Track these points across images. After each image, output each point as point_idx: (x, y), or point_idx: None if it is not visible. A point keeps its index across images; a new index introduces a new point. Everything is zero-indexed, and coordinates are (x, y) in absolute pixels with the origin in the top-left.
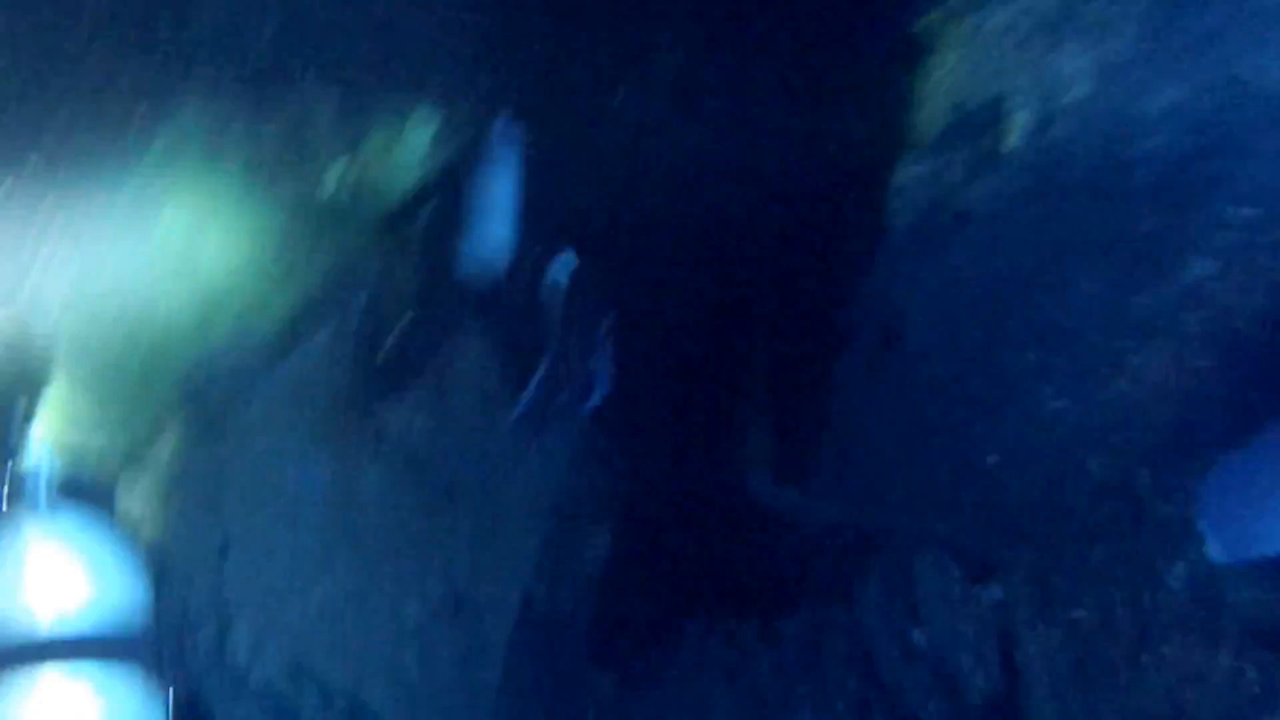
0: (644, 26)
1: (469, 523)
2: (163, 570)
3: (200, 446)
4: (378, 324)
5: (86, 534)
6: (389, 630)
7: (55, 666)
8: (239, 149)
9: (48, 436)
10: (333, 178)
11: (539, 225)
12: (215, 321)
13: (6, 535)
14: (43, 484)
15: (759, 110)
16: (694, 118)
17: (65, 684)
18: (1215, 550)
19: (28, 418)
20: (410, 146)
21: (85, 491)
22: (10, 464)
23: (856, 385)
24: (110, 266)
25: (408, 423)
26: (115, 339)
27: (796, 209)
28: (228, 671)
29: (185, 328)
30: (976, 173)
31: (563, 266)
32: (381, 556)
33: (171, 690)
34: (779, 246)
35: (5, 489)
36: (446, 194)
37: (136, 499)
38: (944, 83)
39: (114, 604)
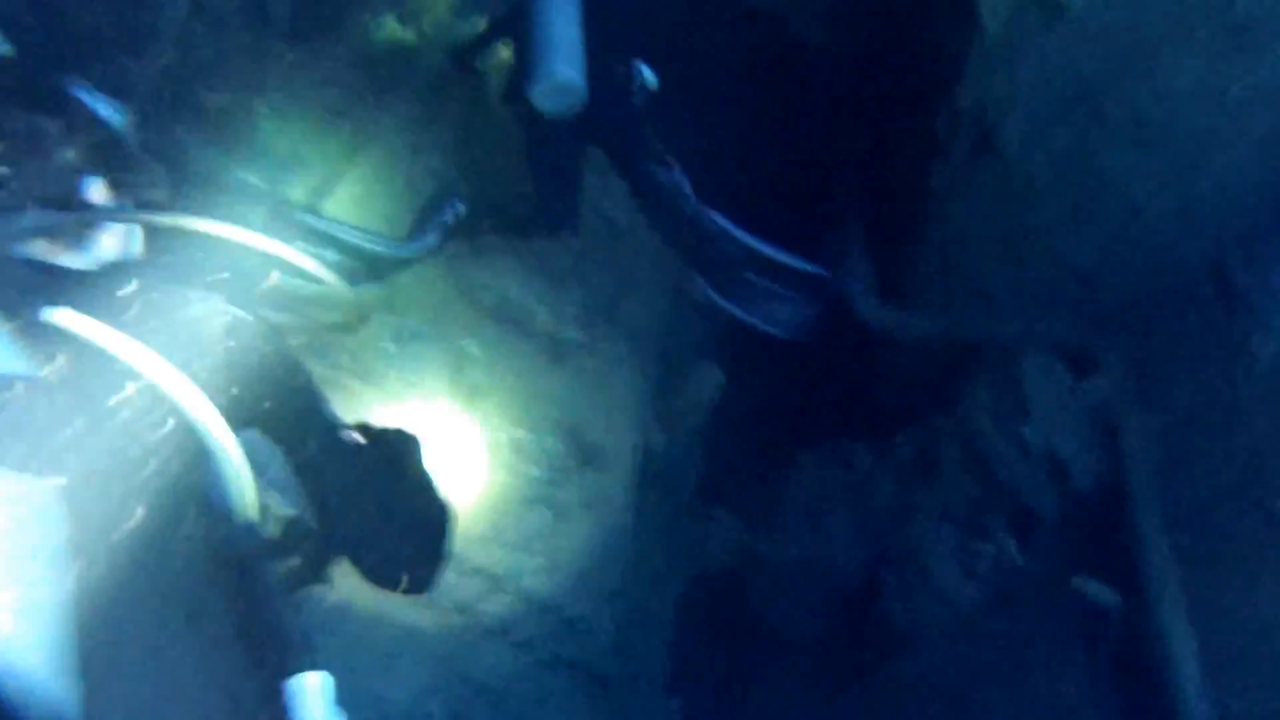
0: None
1: (579, 378)
2: None
3: None
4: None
5: None
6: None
7: None
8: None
9: None
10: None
11: (614, 44)
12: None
13: None
14: None
15: None
16: None
17: None
18: None
19: None
20: None
21: None
22: None
23: (953, 193)
24: None
25: (505, 288)
26: None
27: (885, 10)
28: None
29: None
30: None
31: (643, 85)
32: (497, 414)
33: None
34: (869, 53)
35: None
36: (514, 24)
37: None
38: None
39: None
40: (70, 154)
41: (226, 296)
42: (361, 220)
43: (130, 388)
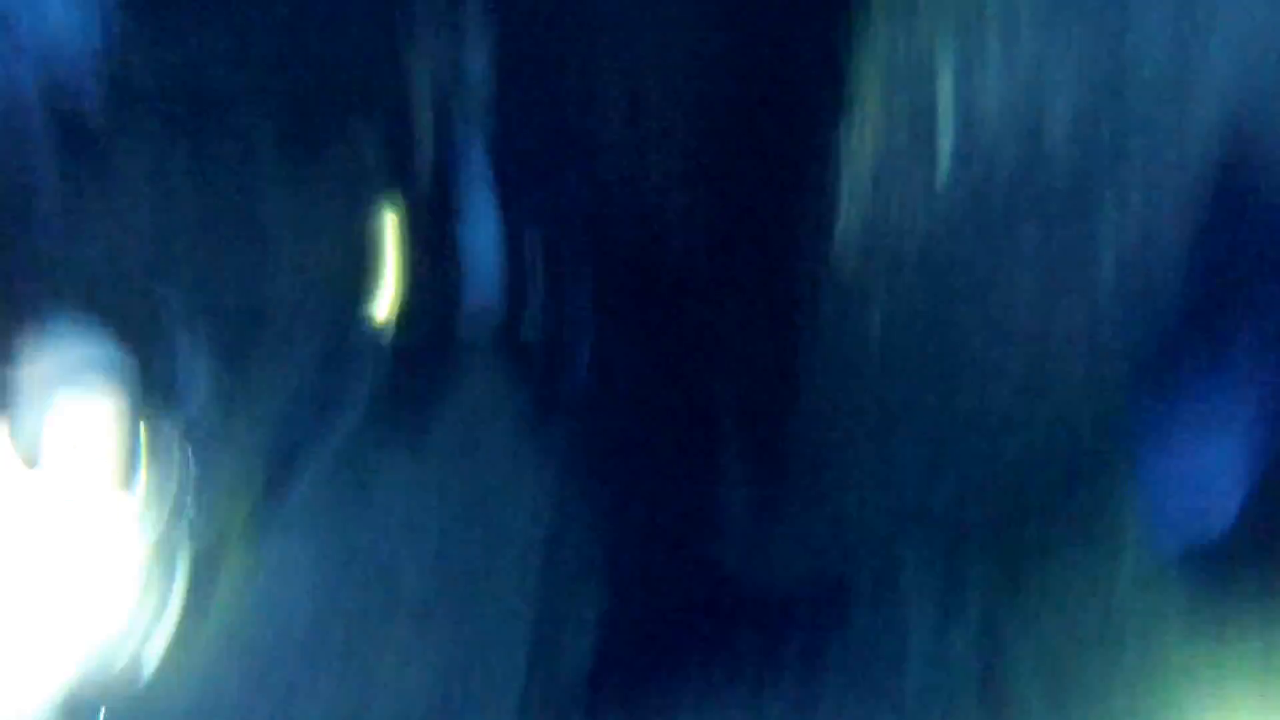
0: (596, 50)
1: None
2: None
3: None
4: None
5: None
6: None
7: None
8: None
9: None
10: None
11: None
12: None
13: None
14: None
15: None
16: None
17: None
18: (1158, 529)
19: None
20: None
21: None
22: None
23: (822, 427)
24: None
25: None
26: None
27: (743, 259)
28: None
29: None
30: (911, 209)
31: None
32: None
33: None
34: (732, 291)
35: None
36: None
37: None
38: (869, 125)
39: None
40: None
41: None
42: None
43: None
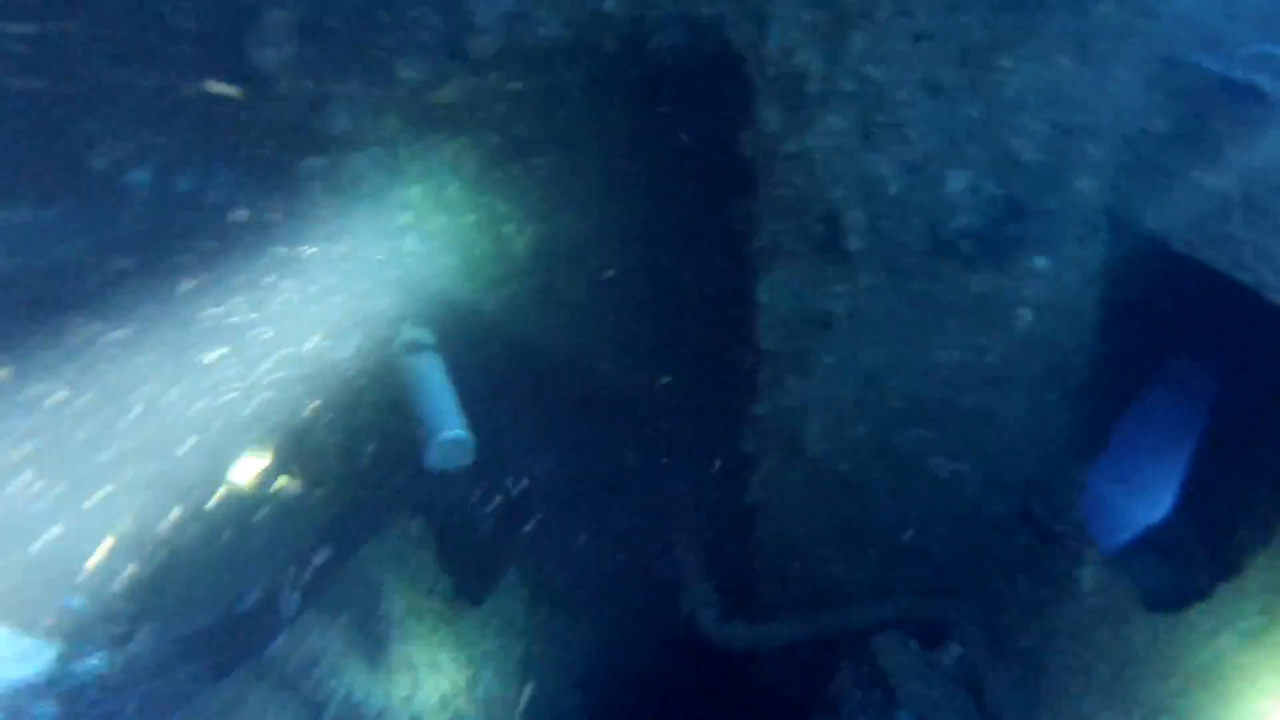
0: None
1: None
2: None
3: None
4: None
5: None
6: None
7: None
8: None
9: None
10: None
11: None
12: None
13: None
14: None
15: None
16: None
17: None
18: (1105, 545)
19: None
20: None
21: None
22: None
23: (771, 501)
24: None
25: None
26: None
27: (673, 349)
28: None
29: None
30: (828, 275)
31: None
32: None
33: None
34: (671, 392)
35: None
36: None
37: None
38: (780, 202)
39: None
40: None
41: None
42: None
43: None
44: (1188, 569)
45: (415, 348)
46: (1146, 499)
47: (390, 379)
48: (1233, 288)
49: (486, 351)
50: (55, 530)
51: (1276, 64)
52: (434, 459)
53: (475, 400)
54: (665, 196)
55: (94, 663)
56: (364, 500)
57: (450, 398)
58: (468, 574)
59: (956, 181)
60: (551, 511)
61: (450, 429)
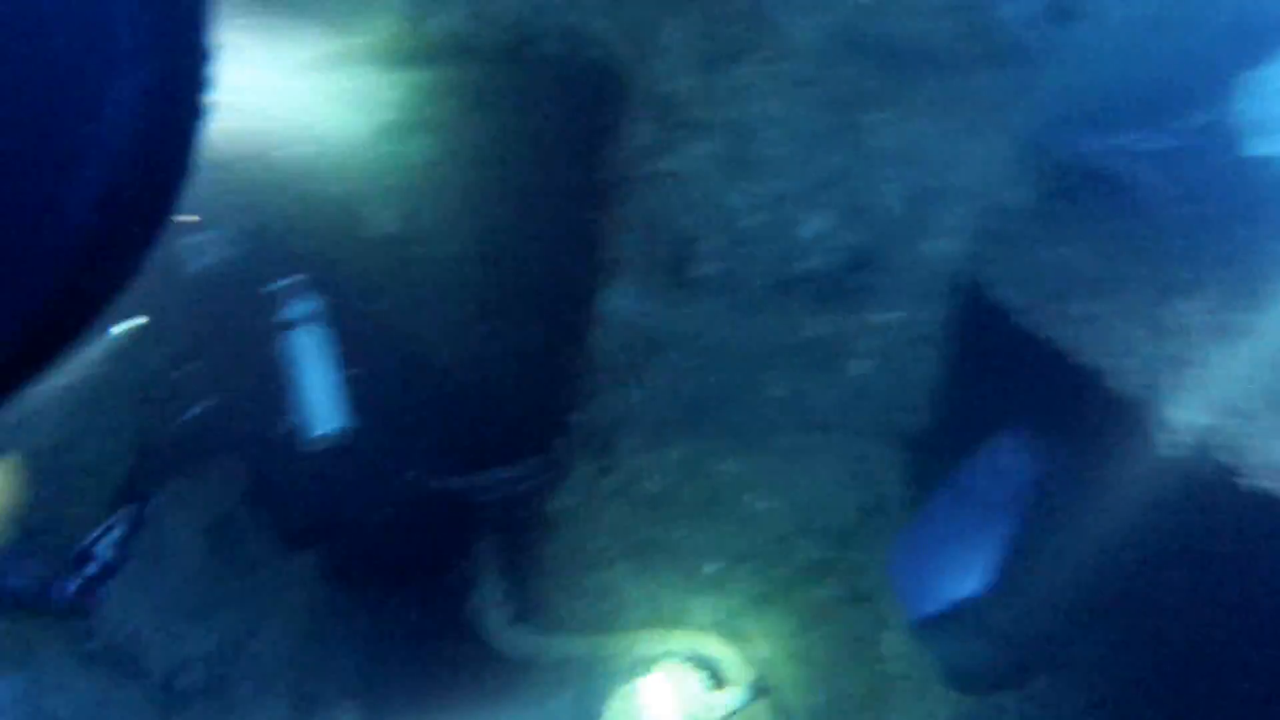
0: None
1: None
2: None
3: None
4: None
5: None
6: None
7: None
8: None
9: None
10: None
11: None
12: None
13: None
14: None
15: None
16: None
17: None
18: (910, 611)
19: None
20: None
21: None
22: None
23: (579, 514)
24: None
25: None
26: None
27: (507, 344)
28: None
29: None
30: (673, 296)
31: None
32: None
33: None
34: (495, 387)
35: None
36: None
37: None
38: (639, 218)
39: None
40: None
41: None
42: None
43: None
44: (996, 652)
45: (296, 321)
46: (956, 571)
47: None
48: (1070, 369)
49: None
50: None
51: (1138, 155)
52: (308, 443)
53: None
54: (527, 194)
55: None
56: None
57: (332, 381)
58: (265, 535)
59: (810, 225)
60: (356, 481)
61: (330, 423)
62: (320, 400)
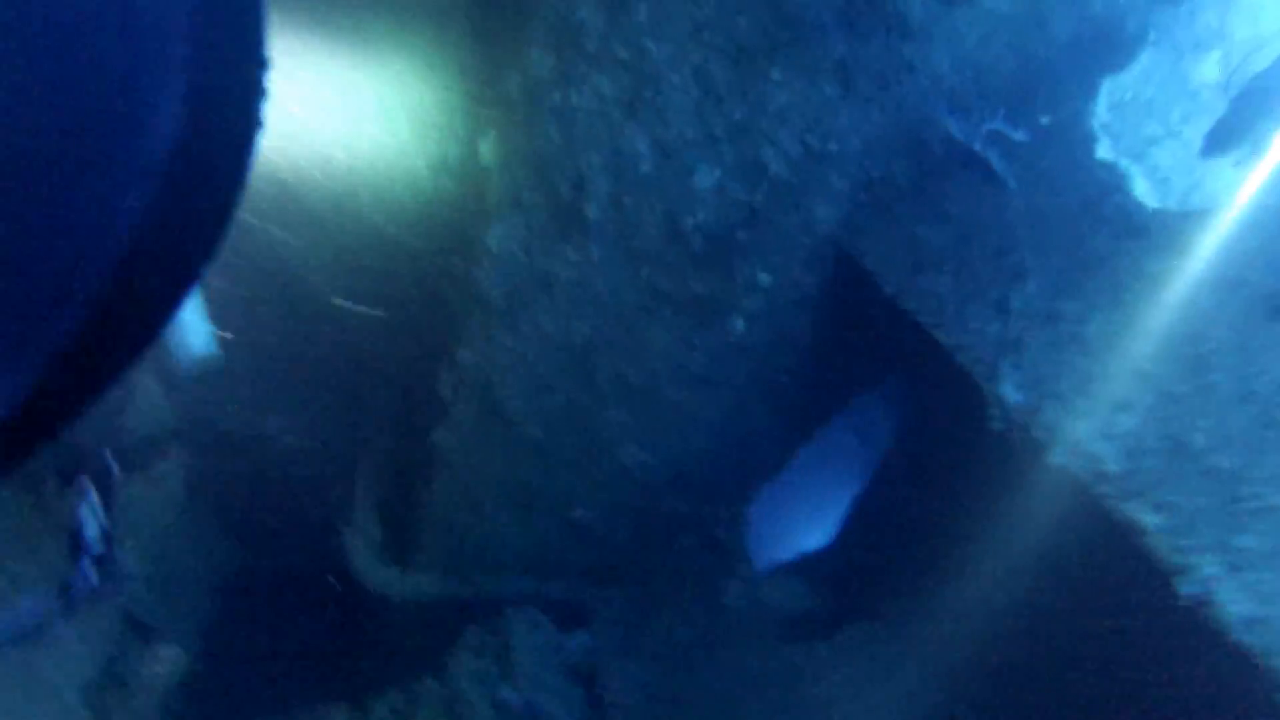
0: None
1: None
2: None
3: None
4: None
5: None
6: None
7: None
8: None
9: None
10: None
11: None
12: None
13: None
14: None
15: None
16: None
17: None
18: (758, 560)
19: None
20: None
21: None
22: None
23: (457, 455)
24: None
25: None
26: None
27: (389, 278)
28: None
29: None
30: (562, 238)
31: None
32: None
33: None
34: (374, 326)
35: None
36: None
37: None
38: (531, 153)
39: None
40: None
41: None
42: None
43: None
44: (831, 605)
45: None
46: (804, 528)
47: None
48: (927, 343)
49: None
50: None
51: (1009, 144)
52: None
53: None
54: (421, 119)
55: None
56: None
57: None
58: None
59: (705, 176)
60: (225, 402)
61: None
62: (190, 322)
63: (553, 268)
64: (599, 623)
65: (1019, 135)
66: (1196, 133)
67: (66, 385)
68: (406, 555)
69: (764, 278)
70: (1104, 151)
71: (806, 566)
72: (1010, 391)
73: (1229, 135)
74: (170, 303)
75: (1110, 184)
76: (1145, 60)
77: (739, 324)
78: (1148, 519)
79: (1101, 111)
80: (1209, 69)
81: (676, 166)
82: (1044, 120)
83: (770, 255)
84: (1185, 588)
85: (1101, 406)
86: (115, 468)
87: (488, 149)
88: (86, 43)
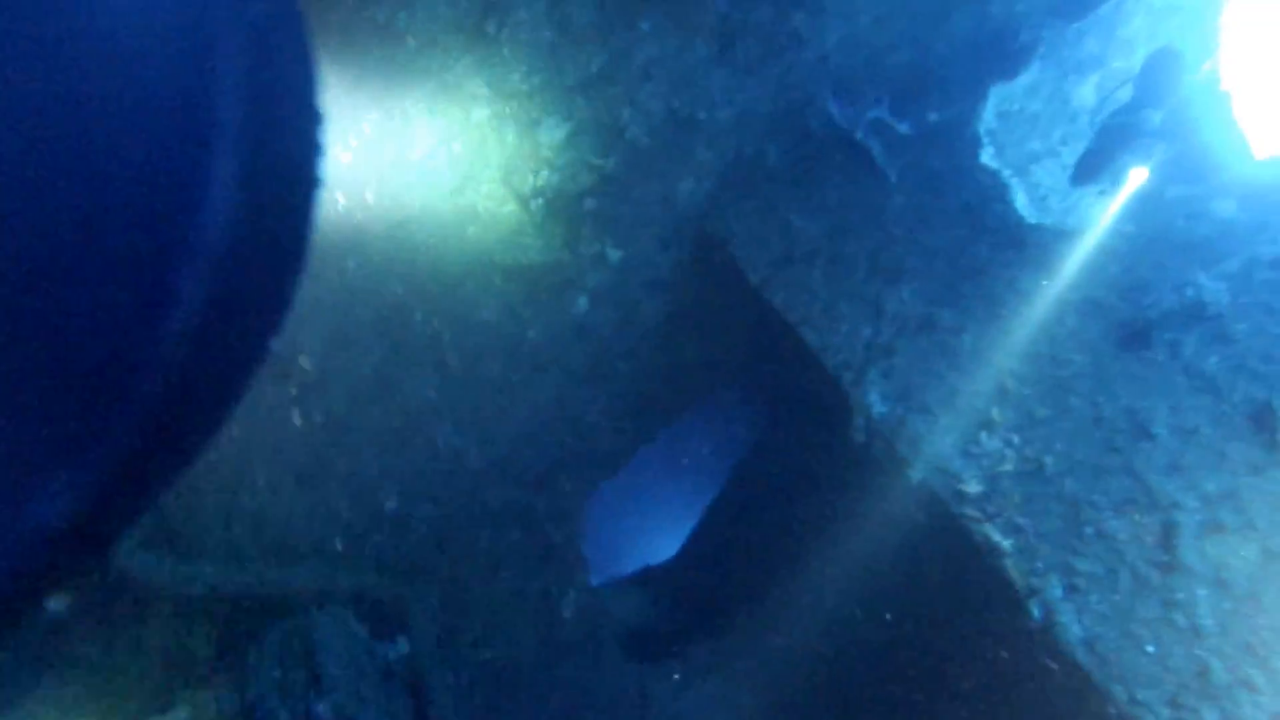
0: None
1: None
2: None
3: None
4: None
5: None
6: None
7: None
8: None
9: None
10: None
11: None
12: None
13: None
14: None
15: None
16: None
17: None
18: (596, 571)
19: None
20: None
21: None
22: None
23: (244, 423)
24: None
25: None
26: None
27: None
28: None
29: None
30: (381, 180)
31: None
32: None
33: None
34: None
35: None
36: None
37: None
38: (350, 76)
39: None
40: None
41: None
42: None
43: None
44: (668, 618)
45: None
46: (648, 533)
47: None
48: (792, 341)
49: None
50: None
51: (893, 136)
52: None
53: None
54: None
55: None
56: None
57: None
58: None
59: (552, 130)
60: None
61: None
62: None
63: (368, 212)
64: (419, 629)
65: (904, 128)
66: (1074, 156)
67: (128, 488)
68: (175, 540)
69: (613, 253)
70: (988, 159)
71: (649, 577)
72: (876, 401)
73: (1094, 165)
74: (238, 387)
75: (993, 192)
76: (1034, 74)
77: (581, 302)
78: (1002, 541)
79: (989, 118)
80: (1088, 92)
81: (523, 114)
82: (932, 117)
83: (622, 228)
84: (1034, 610)
85: (966, 423)
86: None
87: None
88: (136, 124)
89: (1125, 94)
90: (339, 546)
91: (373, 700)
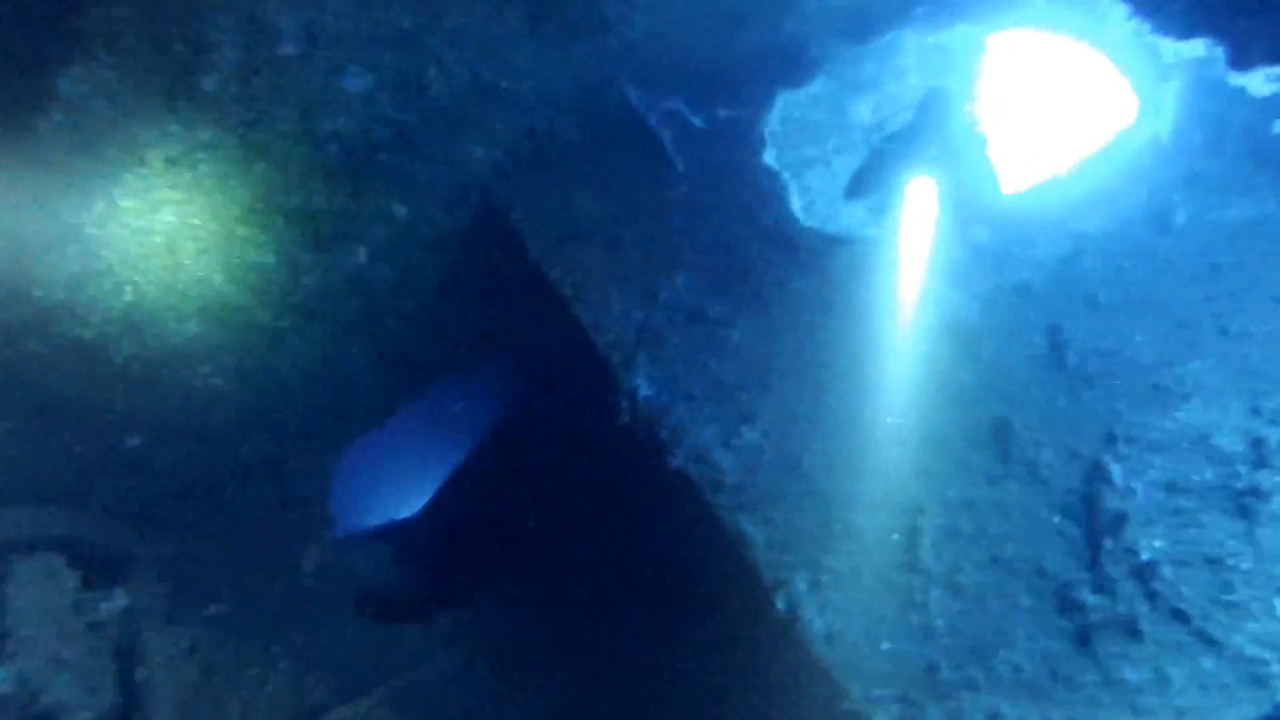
0: None
1: None
2: None
3: None
4: None
5: None
6: None
7: None
8: None
9: None
10: None
11: None
12: None
13: None
14: None
15: None
16: None
17: None
18: (339, 526)
19: None
20: None
21: None
22: None
23: None
24: None
25: None
26: None
27: None
28: None
29: None
30: (169, 104)
31: None
32: None
33: None
34: None
35: None
36: None
37: None
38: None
39: None
40: None
41: None
42: None
43: None
44: (408, 581)
45: None
46: (394, 491)
47: None
48: (565, 317)
49: None
50: None
51: (684, 128)
52: None
53: None
54: None
55: None
56: None
57: None
58: None
59: (355, 79)
60: None
61: None
62: None
63: (154, 134)
64: (142, 580)
65: (696, 121)
66: (843, 165)
67: None
68: None
69: (399, 209)
70: (770, 159)
71: (391, 540)
72: (643, 385)
73: (866, 182)
74: None
75: (771, 192)
76: (818, 86)
77: (360, 254)
78: (755, 532)
79: (774, 121)
80: (863, 109)
81: (324, 59)
82: (722, 114)
83: (410, 186)
84: (780, 602)
85: (728, 415)
86: None
87: None
88: None
89: (900, 121)
90: (64, 485)
91: (81, 666)
